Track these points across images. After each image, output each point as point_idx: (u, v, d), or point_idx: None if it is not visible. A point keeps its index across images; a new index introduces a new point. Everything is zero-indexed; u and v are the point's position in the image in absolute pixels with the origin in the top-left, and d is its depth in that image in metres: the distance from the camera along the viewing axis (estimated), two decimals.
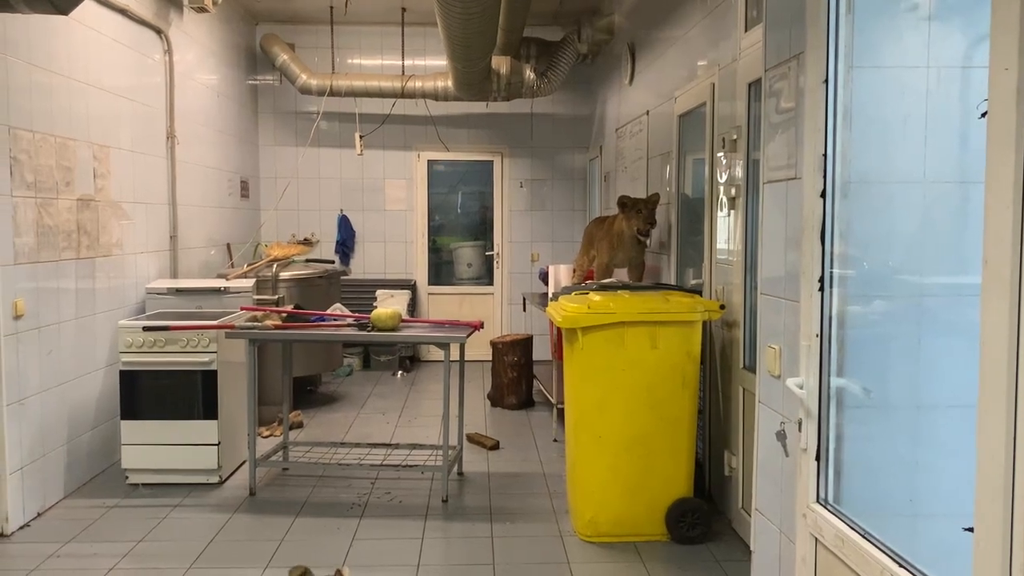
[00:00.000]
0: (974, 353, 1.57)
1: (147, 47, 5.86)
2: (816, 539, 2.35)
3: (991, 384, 1.52)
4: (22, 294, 4.24)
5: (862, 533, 2.13)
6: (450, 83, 7.77)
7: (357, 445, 5.49)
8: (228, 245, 7.59)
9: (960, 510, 1.66)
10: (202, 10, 6.59)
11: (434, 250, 9.32)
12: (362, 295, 8.32)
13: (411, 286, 8.86)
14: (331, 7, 7.99)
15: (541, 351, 7.53)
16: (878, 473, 2.44)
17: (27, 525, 4.29)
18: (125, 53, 5.49)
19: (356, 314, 5.15)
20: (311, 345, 6.65)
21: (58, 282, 4.60)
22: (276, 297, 6.44)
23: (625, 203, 5.45)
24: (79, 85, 4.86)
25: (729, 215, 4.23)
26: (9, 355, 4.15)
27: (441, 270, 9.40)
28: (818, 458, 2.39)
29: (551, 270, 6.31)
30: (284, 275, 6.61)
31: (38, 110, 4.41)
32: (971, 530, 1.57)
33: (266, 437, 5.91)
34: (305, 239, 8.67)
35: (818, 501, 2.39)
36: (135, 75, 5.66)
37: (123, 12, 5.42)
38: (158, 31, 6.01)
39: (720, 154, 4.33)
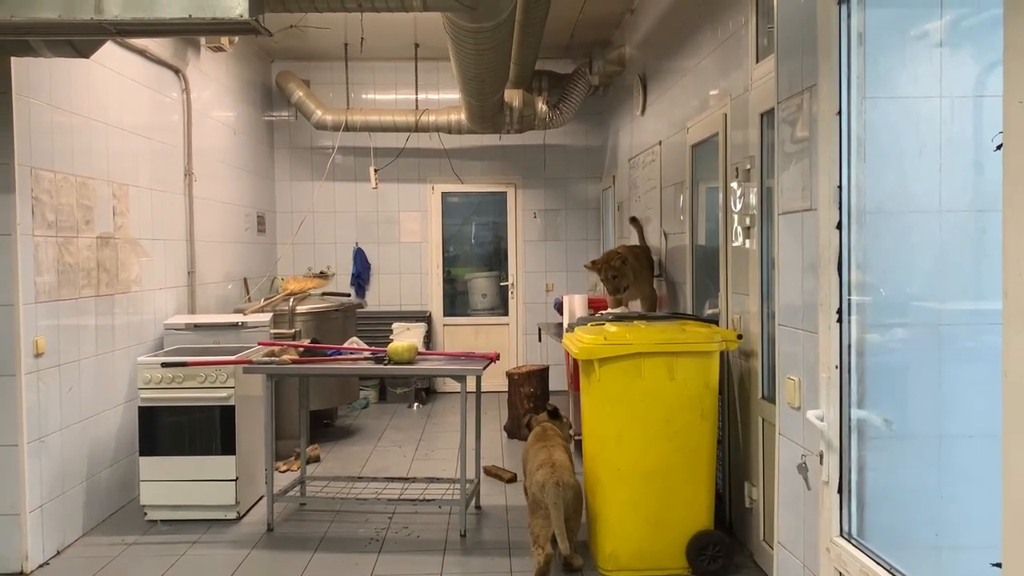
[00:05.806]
0: (996, 380, 1.56)
1: (165, 86, 5.96)
2: (840, 574, 2.32)
3: (1015, 415, 1.50)
4: (43, 332, 4.28)
5: (888, 568, 2.10)
6: (463, 117, 7.85)
7: (374, 479, 5.47)
8: (245, 280, 7.65)
9: (987, 541, 1.64)
10: (219, 49, 6.71)
11: (449, 281, 9.34)
12: (378, 327, 8.33)
13: (426, 318, 8.87)
14: (346, 44, 8.10)
15: (557, 382, 7.51)
16: (902, 505, 2.40)
17: (47, 563, 4.29)
18: (143, 93, 5.59)
19: (372, 347, 5.16)
20: (328, 379, 6.66)
21: (78, 319, 4.64)
22: (293, 331, 6.46)
23: (598, 268, 5.68)
24: (98, 125, 4.94)
25: (744, 244, 4.23)
26: (30, 393, 4.18)
27: (456, 301, 9.41)
28: (840, 491, 2.37)
29: (566, 300, 6.30)
30: (301, 309, 6.64)
31: (59, 150, 4.49)
32: (999, 565, 1.55)
33: (283, 472, 5.90)
34: (321, 272, 8.69)
35: (841, 535, 2.36)
36: (153, 114, 5.75)
37: (142, 53, 5.52)
38: (176, 70, 6.11)
39: (734, 183, 4.34)
